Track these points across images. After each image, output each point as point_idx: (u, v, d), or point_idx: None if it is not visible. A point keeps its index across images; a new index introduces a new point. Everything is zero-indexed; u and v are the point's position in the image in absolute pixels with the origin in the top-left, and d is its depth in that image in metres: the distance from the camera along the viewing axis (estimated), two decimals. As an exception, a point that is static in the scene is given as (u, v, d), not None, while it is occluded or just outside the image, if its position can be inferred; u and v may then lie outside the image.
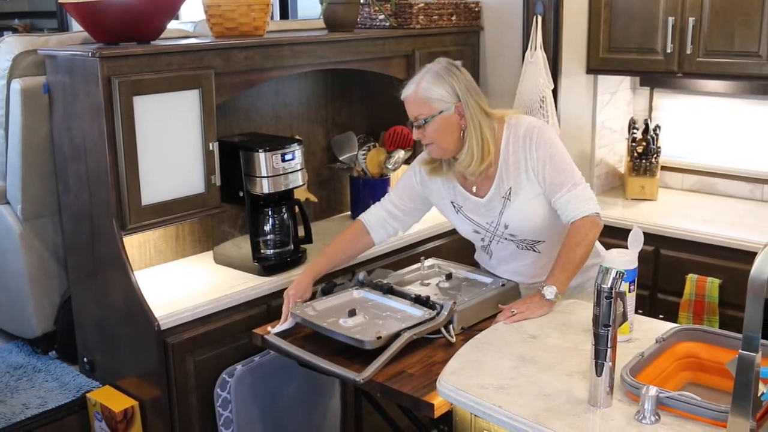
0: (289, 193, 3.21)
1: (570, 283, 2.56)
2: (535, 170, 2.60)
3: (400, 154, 3.75)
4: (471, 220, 2.74)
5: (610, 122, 4.26)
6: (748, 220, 3.69)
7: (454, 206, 2.78)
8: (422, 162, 2.79)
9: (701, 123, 4.17)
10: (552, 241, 2.69)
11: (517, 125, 2.65)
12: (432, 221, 3.65)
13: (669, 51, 3.71)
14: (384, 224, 2.90)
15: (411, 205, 2.89)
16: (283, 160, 3.05)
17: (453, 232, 3.68)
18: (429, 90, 2.57)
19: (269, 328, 2.69)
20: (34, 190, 3.08)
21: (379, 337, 2.36)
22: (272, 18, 3.54)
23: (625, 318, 1.93)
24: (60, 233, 3.12)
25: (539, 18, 3.81)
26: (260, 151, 3.00)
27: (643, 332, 2.25)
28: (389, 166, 3.75)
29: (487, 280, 2.81)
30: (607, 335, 1.85)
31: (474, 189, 2.71)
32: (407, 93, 2.62)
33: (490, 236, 2.74)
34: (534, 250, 2.72)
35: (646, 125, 4.11)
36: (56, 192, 3.06)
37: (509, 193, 2.64)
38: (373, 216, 2.92)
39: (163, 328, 2.71)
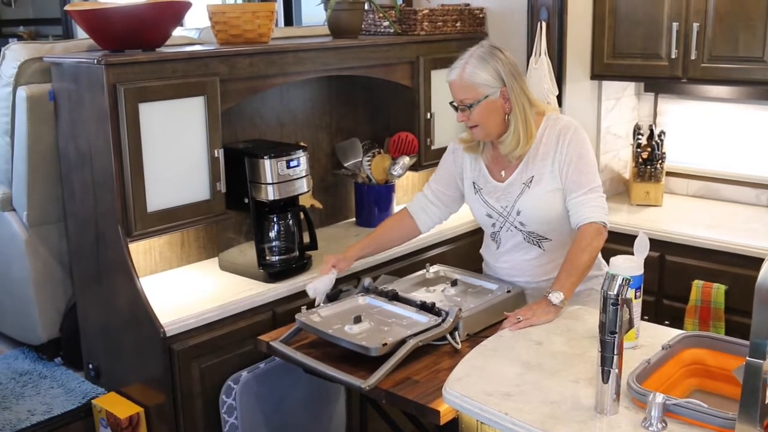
0: (294, 199, 3.21)
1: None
2: (560, 165, 2.65)
3: (405, 161, 3.75)
4: (487, 203, 2.78)
5: (614, 128, 4.25)
6: (753, 225, 3.68)
7: (474, 186, 2.82)
8: (460, 139, 2.84)
9: (706, 128, 4.17)
10: (558, 242, 2.71)
11: (556, 120, 2.71)
12: (436, 228, 3.65)
13: (673, 56, 3.71)
14: (425, 209, 2.96)
15: (447, 192, 2.93)
16: (288, 167, 3.05)
17: (458, 238, 3.69)
18: (474, 75, 2.60)
19: (308, 286, 2.78)
20: (40, 197, 3.09)
21: (385, 344, 2.35)
22: (277, 25, 3.54)
23: (631, 325, 1.92)
24: (65, 240, 3.13)
25: (543, 24, 3.81)
26: (265, 157, 3.00)
27: (649, 339, 2.25)
28: (394, 173, 3.75)
29: (493, 286, 2.81)
30: (614, 342, 1.84)
31: (502, 173, 2.75)
32: (452, 77, 2.65)
33: (502, 222, 2.76)
34: (539, 247, 2.74)
35: (651, 131, 4.10)
36: (61, 199, 3.07)
37: (530, 181, 2.68)
38: (415, 202, 2.99)
39: (168, 334, 2.71)
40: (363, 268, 3.28)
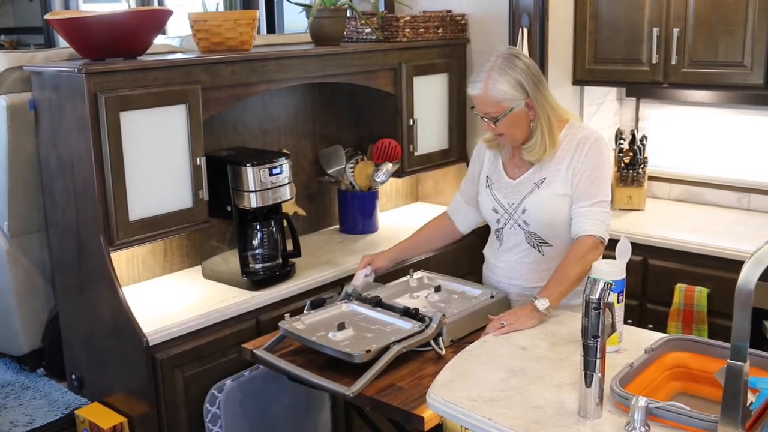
0: (277, 207, 3.20)
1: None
2: (574, 172, 2.66)
3: (388, 167, 3.75)
4: (495, 197, 2.80)
5: (596, 133, 4.27)
6: (735, 228, 3.70)
7: (487, 180, 2.85)
8: (483, 139, 2.88)
9: (687, 133, 4.19)
10: (559, 249, 2.72)
11: (578, 128, 2.73)
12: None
13: (654, 62, 3.73)
14: (460, 210, 3.01)
15: (471, 192, 2.96)
16: (271, 174, 3.05)
17: (441, 244, 3.68)
18: (497, 90, 2.59)
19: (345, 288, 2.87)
20: (21, 207, 3.07)
21: (369, 351, 2.35)
22: (259, 32, 3.54)
23: (613, 329, 1.93)
24: (47, 249, 3.11)
25: (525, 30, 3.82)
26: (248, 165, 3.00)
27: (632, 342, 2.26)
28: (377, 179, 3.75)
29: (477, 292, 2.81)
30: (596, 346, 1.85)
31: (516, 171, 2.77)
32: (475, 92, 2.64)
33: (507, 218, 2.77)
34: (539, 251, 2.74)
35: (633, 136, 4.12)
36: (43, 208, 3.05)
37: (542, 182, 2.70)
38: (452, 203, 3.06)
39: (151, 343, 2.70)
40: (346, 275, 3.28)
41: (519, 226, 2.75)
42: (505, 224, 2.79)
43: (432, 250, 3.20)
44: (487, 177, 2.85)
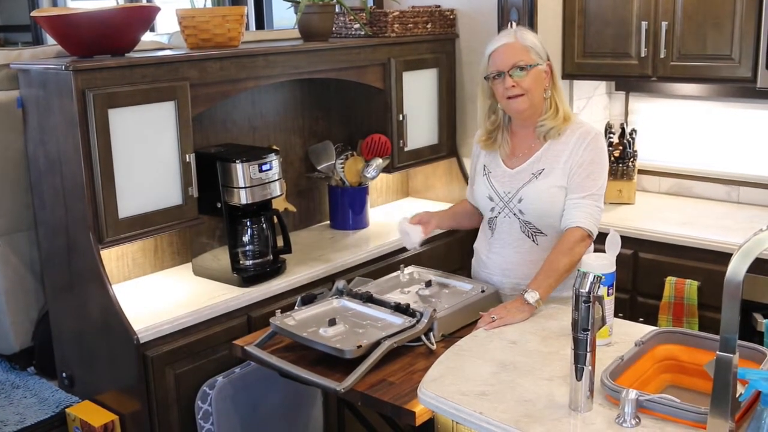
0: (267, 203, 3.20)
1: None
2: (571, 165, 2.68)
3: (378, 163, 3.75)
4: (492, 185, 2.80)
5: (586, 127, 4.27)
6: (724, 222, 3.71)
7: (485, 169, 2.86)
8: (478, 139, 2.89)
9: (677, 126, 4.20)
10: (552, 239, 2.72)
11: (580, 124, 2.76)
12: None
13: (643, 55, 3.74)
14: (472, 196, 2.99)
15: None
16: (261, 171, 3.04)
17: (432, 239, 3.69)
18: (527, 39, 2.69)
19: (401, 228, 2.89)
20: (10, 205, 3.06)
21: (360, 346, 2.35)
22: (247, 28, 3.52)
23: (603, 322, 1.93)
24: (36, 248, 3.10)
25: (514, 24, 3.82)
26: (237, 161, 2.99)
27: (623, 336, 2.26)
28: (367, 175, 3.74)
29: (467, 287, 2.81)
30: (587, 339, 1.85)
31: (514, 162, 2.78)
32: (506, 41, 2.69)
33: (501, 207, 2.78)
34: (533, 241, 2.74)
35: (623, 129, 4.13)
36: (32, 206, 3.04)
37: (540, 173, 2.71)
38: (466, 193, 3.06)
39: (142, 341, 2.69)
40: (337, 271, 3.28)
41: (514, 215, 2.75)
42: (499, 213, 2.79)
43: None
44: (484, 166, 2.86)
